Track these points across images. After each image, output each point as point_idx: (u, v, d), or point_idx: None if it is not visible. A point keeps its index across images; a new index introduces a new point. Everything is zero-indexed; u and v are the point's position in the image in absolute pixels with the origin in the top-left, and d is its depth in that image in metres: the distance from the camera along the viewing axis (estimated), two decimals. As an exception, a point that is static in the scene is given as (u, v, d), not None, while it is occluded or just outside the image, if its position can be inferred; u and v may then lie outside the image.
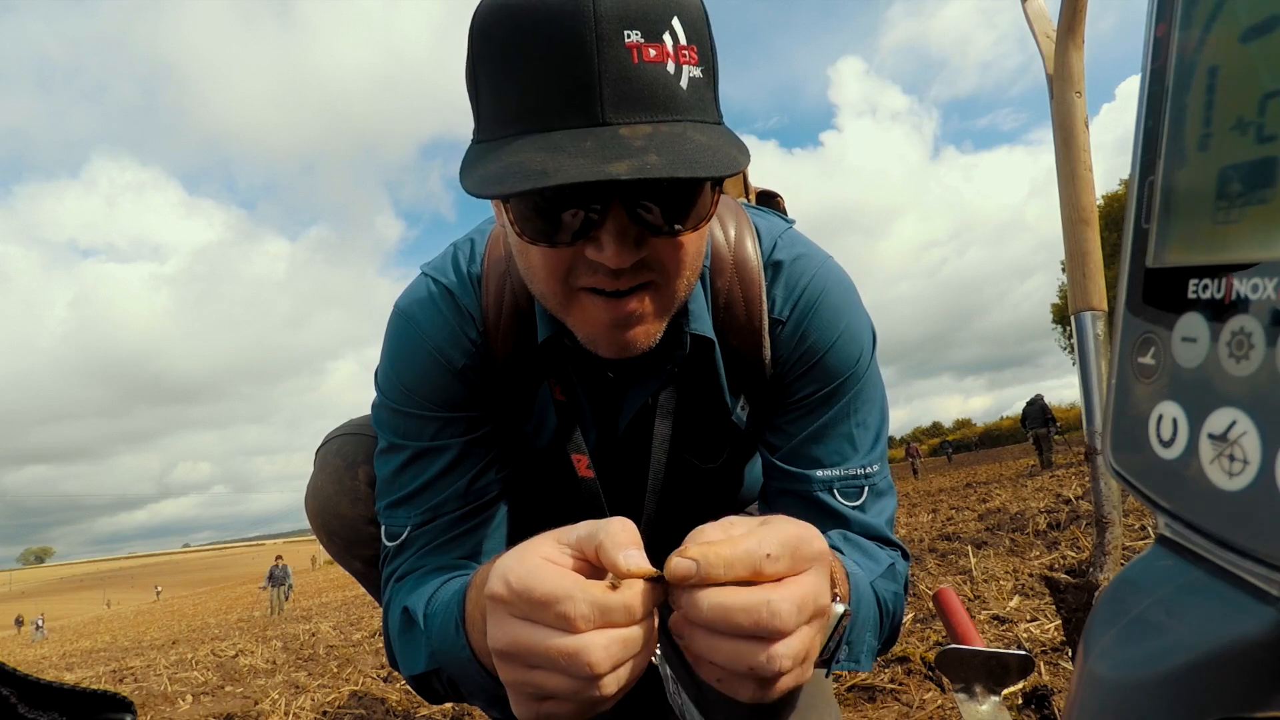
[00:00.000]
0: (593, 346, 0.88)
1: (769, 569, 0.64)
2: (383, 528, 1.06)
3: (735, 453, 1.19)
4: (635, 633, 0.63)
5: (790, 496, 1.06)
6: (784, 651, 0.63)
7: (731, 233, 1.05)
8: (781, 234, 1.08)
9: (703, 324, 1.00)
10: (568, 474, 1.10)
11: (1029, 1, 1.67)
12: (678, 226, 0.80)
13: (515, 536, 1.14)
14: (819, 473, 1.03)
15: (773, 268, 1.05)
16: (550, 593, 0.61)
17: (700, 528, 0.68)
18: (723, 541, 0.64)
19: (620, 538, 0.65)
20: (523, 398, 1.09)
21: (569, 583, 0.62)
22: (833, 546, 0.93)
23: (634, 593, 0.63)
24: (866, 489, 1.04)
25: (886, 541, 1.04)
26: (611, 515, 1.12)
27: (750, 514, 1.51)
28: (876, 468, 1.05)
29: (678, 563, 0.63)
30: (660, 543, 1.21)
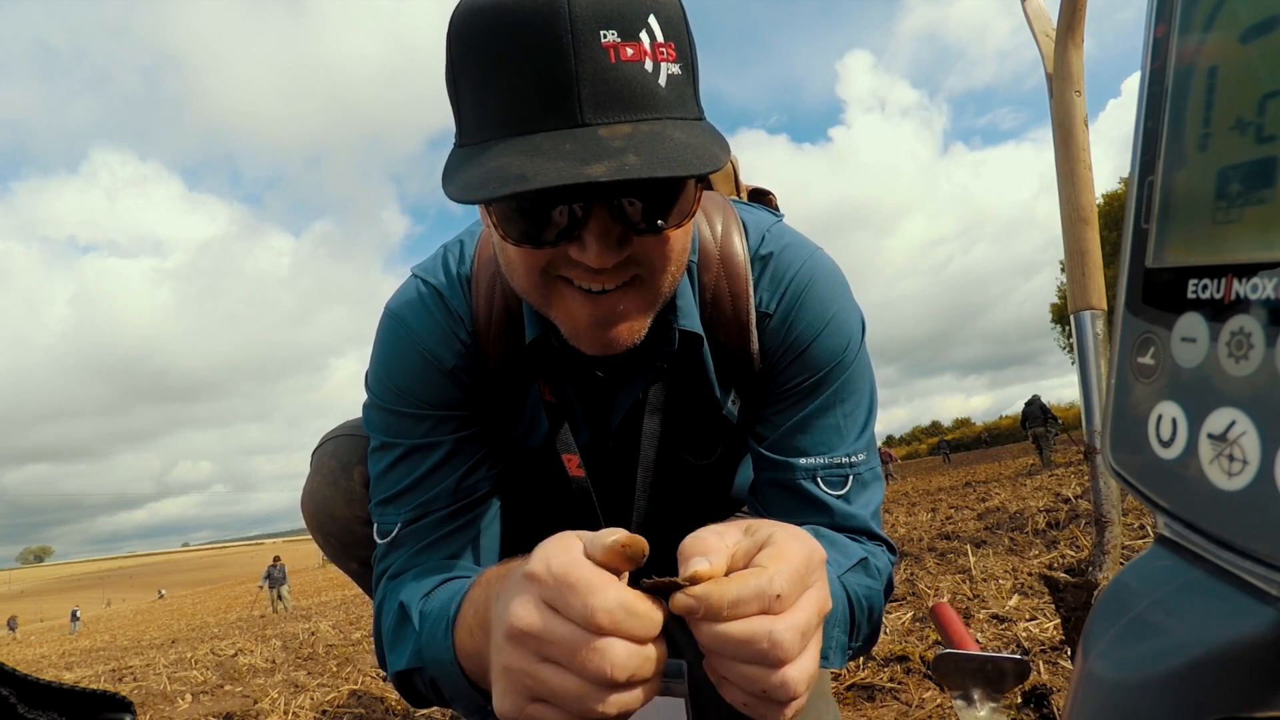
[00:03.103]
0: (576, 342, 0.88)
1: (778, 609, 0.62)
2: (375, 525, 1.05)
3: (729, 449, 1.19)
4: (652, 651, 0.62)
5: (776, 487, 1.05)
6: (797, 676, 0.61)
7: (719, 228, 1.05)
8: (769, 228, 1.08)
9: (691, 320, 1.00)
10: (559, 474, 1.10)
11: (1029, 1, 1.67)
12: (661, 224, 0.80)
13: (508, 536, 1.14)
14: (803, 461, 1.02)
15: (760, 261, 1.05)
16: (586, 581, 0.60)
17: (696, 534, 0.66)
18: (730, 580, 0.62)
19: (607, 532, 0.64)
20: (514, 398, 1.09)
21: (605, 579, 0.61)
22: None
23: (656, 607, 0.62)
24: (851, 478, 1.03)
25: (870, 535, 1.04)
26: (603, 514, 1.12)
27: (742, 515, 1.51)
28: (863, 456, 1.04)
29: (681, 599, 0.61)
30: (654, 544, 1.20)
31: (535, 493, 1.21)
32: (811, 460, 1.02)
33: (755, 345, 1.05)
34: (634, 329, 0.87)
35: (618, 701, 0.60)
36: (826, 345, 1.03)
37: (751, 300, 1.04)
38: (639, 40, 0.73)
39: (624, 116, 0.73)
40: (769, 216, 1.11)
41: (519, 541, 1.26)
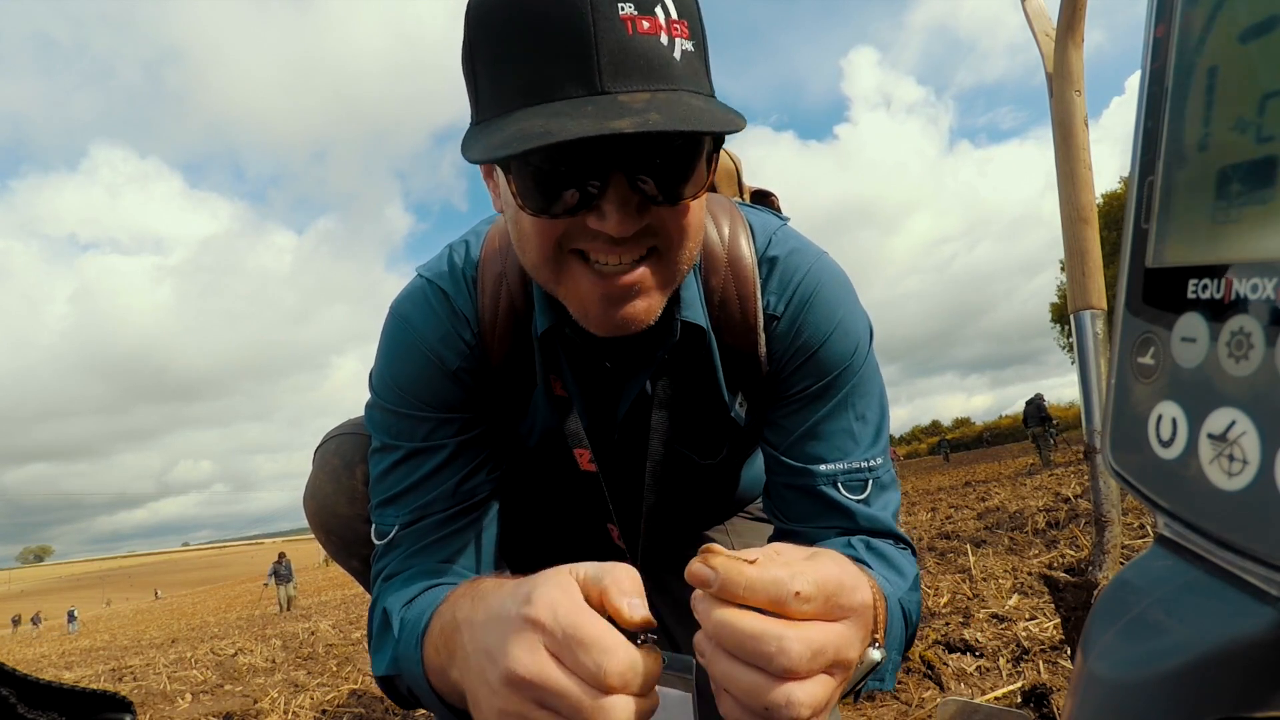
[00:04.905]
0: (586, 323, 0.88)
1: (796, 607, 0.60)
2: (373, 526, 1.06)
3: (734, 450, 1.19)
4: (650, 702, 0.62)
5: (795, 491, 1.06)
6: (803, 698, 0.59)
7: (725, 230, 1.06)
8: (776, 231, 1.08)
9: (694, 312, 1.00)
10: (568, 468, 1.10)
11: (1029, 0, 1.67)
12: (679, 194, 0.80)
13: (512, 535, 1.14)
14: (822, 467, 1.03)
15: (767, 264, 1.05)
16: (599, 640, 0.60)
17: (745, 551, 0.66)
18: (754, 563, 0.61)
19: (625, 584, 0.63)
20: (518, 399, 1.09)
21: (616, 639, 0.61)
22: (858, 559, 0.91)
23: (653, 661, 0.62)
24: (870, 482, 1.04)
25: (895, 537, 1.04)
26: (614, 508, 1.12)
27: (749, 514, 1.51)
28: (879, 461, 1.05)
29: (697, 567, 0.61)
30: (660, 541, 1.21)
31: (541, 489, 1.21)
32: (831, 466, 1.03)
33: (763, 348, 1.05)
34: (650, 307, 0.86)
35: None
36: (835, 349, 1.03)
37: (759, 302, 1.04)
38: (654, 15, 0.74)
39: (642, 86, 0.73)
40: (775, 219, 1.12)
41: (525, 539, 1.25)
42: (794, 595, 0.60)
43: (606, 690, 0.59)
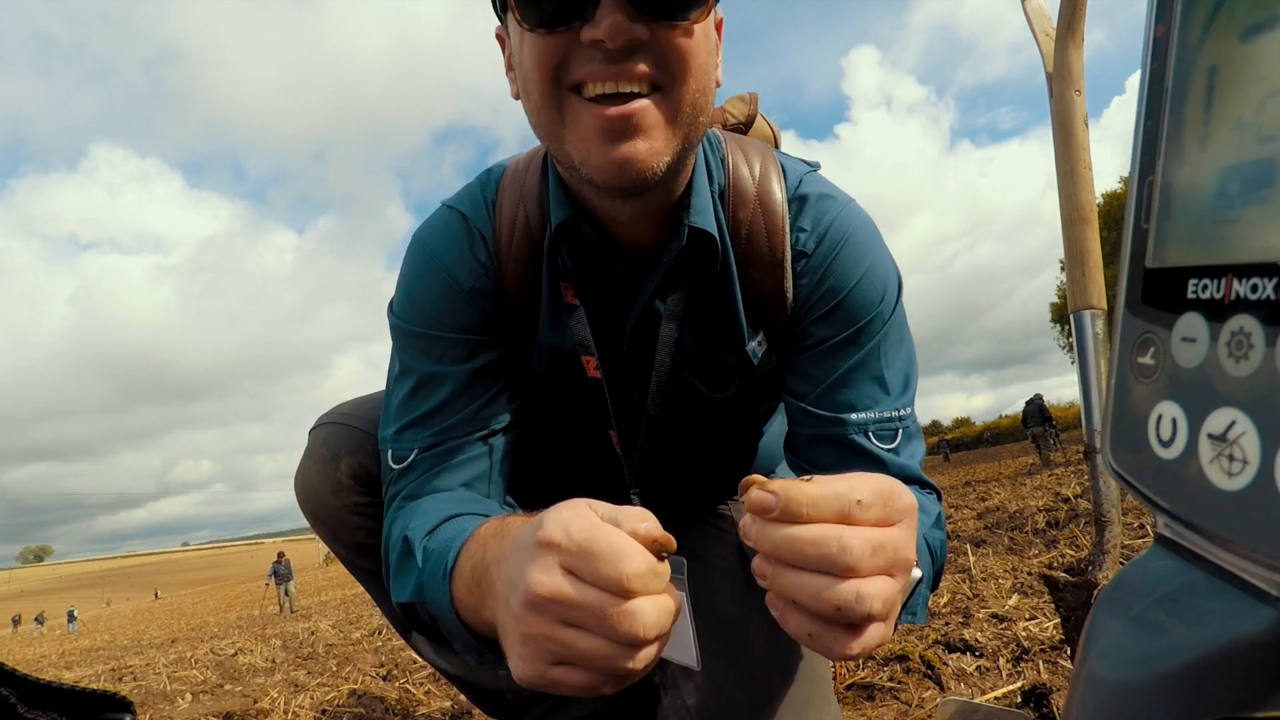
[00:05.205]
0: (588, 168, 0.87)
1: (859, 515, 0.61)
2: (389, 453, 1.05)
3: (745, 390, 1.17)
4: (670, 604, 0.62)
5: (824, 442, 1.05)
6: (872, 591, 0.60)
7: (756, 167, 1.06)
8: (806, 173, 1.09)
9: (704, 219, 0.99)
10: (576, 378, 1.09)
11: (1029, 1, 1.67)
12: (677, 9, 0.82)
13: (526, 459, 1.14)
14: (854, 416, 1.02)
15: (798, 202, 1.05)
16: (614, 548, 0.60)
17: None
18: (810, 482, 0.62)
19: (637, 516, 0.64)
20: (531, 328, 1.09)
21: (631, 546, 0.61)
22: None
23: (666, 565, 0.62)
24: (900, 431, 1.03)
25: (921, 484, 1.04)
26: (615, 418, 1.12)
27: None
28: (908, 410, 1.05)
29: (756, 493, 0.61)
30: (659, 473, 1.19)
31: (547, 402, 1.20)
32: (863, 415, 1.02)
33: (789, 285, 1.04)
34: (652, 149, 0.85)
35: (645, 656, 0.61)
36: (863, 296, 1.02)
37: (787, 238, 1.03)
38: None
39: None
40: (805, 164, 1.12)
41: (528, 447, 1.24)
42: (856, 503, 0.61)
43: (628, 595, 0.59)
